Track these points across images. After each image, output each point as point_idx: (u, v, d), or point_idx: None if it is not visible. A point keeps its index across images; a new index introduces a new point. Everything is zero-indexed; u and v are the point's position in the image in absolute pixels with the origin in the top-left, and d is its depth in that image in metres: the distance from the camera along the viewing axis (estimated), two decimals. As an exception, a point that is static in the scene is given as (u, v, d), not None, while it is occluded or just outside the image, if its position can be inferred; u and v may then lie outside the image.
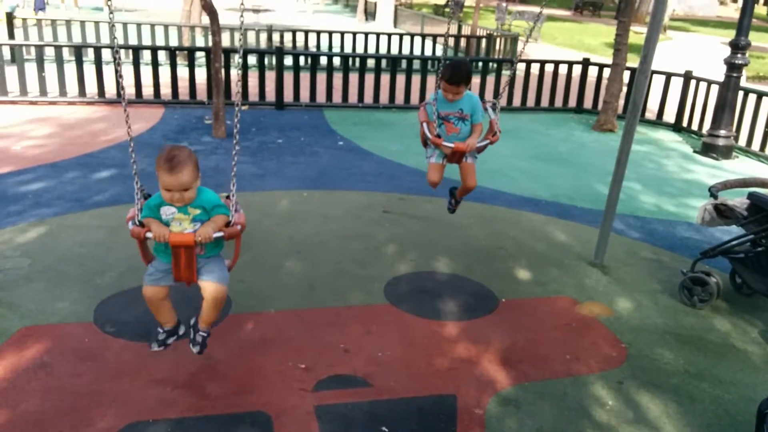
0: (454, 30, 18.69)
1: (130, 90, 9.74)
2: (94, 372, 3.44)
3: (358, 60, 11.00)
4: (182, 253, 3.07)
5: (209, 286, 3.21)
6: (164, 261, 3.22)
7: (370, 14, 27.67)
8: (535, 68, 11.31)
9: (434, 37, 17.70)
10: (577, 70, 11.33)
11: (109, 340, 3.74)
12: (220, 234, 3.12)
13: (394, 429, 3.15)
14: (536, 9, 28.91)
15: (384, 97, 10.67)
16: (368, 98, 10.64)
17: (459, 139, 4.41)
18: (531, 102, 11.24)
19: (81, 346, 3.67)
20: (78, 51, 9.81)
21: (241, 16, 3.37)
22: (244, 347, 3.76)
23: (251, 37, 15.35)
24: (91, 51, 10.08)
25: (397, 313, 4.26)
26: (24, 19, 14.61)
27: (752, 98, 9.17)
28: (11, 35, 13.42)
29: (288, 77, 10.23)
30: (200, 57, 11.08)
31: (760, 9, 42.55)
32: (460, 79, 4.24)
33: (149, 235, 3.06)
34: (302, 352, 3.71)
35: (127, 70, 9.83)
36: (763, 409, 3.06)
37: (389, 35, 16.17)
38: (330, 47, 15.19)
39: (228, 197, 3.32)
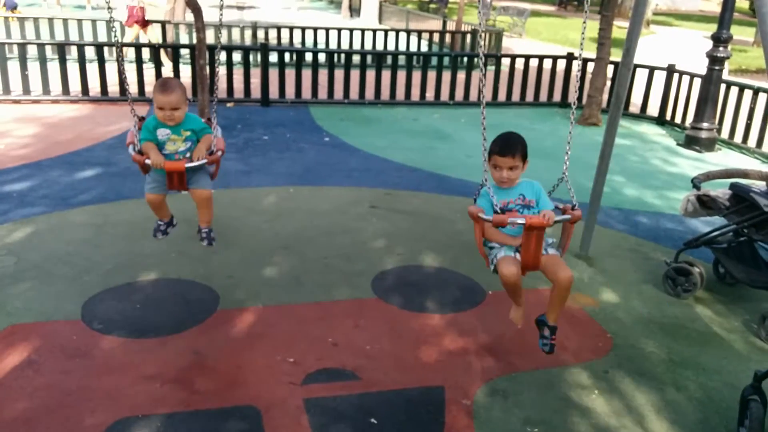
0: (439, 26, 18.71)
1: (114, 87, 9.71)
2: (83, 369, 3.44)
3: (343, 56, 11.00)
4: (175, 174, 3.71)
5: (197, 192, 3.86)
6: (160, 173, 3.78)
7: (354, 11, 27.62)
8: (519, 63, 11.35)
9: (419, 33, 17.71)
10: (561, 64, 11.38)
11: (97, 337, 3.73)
12: (204, 161, 3.76)
13: (383, 421, 3.17)
14: (520, 4, 29.02)
15: (370, 93, 10.67)
16: (354, 94, 10.65)
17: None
18: (516, 97, 11.28)
19: (69, 343, 3.66)
20: (61, 49, 9.73)
21: (221, 11, 4.04)
22: (233, 342, 3.77)
23: (236, 34, 15.29)
24: (74, 49, 10.00)
25: (384, 306, 4.28)
26: (6, 18, 14.47)
27: (734, 91, 9.27)
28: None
29: (273, 74, 10.21)
30: (185, 54, 11.03)
31: (741, 2, 42.90)
32: (515, 147, 3.38)
33: (148, 162, 3.65)
34: (291, 347, 3.73)
35: (112, 68, 9.79)
36: (746, 396, 3.11)
37: (374, 31, 16.14)
38: (315, 44, 15.16)
39: (209, 120, 3.99)
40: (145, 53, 10.21)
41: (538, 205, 3.46)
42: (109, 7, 3.88)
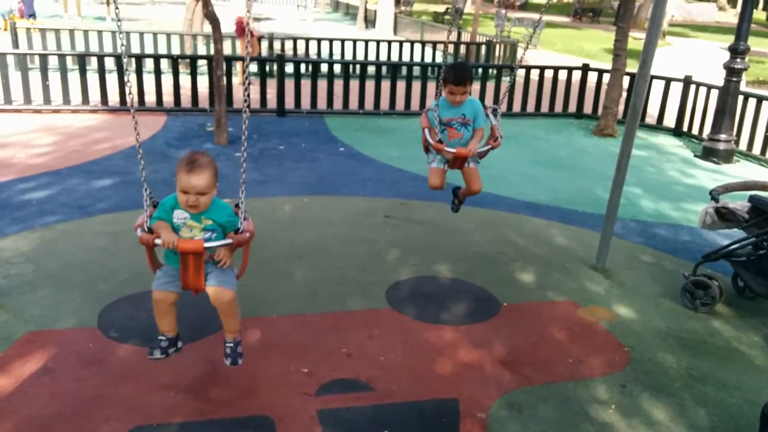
0: (453, 37, 18.75)
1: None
2: (98, 377, 3.46)
3: (358, 67, 11.05)
4: (191, 260, 3.01)
5: (216, 290, 3.13)
6: (173, 266, 3.15)
7: (370, 22, 27.74)
8: (534, 74, 11.35)
9: (434, 44, 17.75)
10: (576, 75, 11.36)
11: (113, 345, 3.75)
12: (228, 241, 3.09)
13: (397, 432, 3.16)
14: (535, 16, 28.99)
15: (384, 104, 10.69)
16: (369, 105, 10.67)
17: (461, 144, 4.34)
18: (531, 107, 11.26)
19: (85, 351, 3.68)
20: (81, 59, 9.86)
21: (248, 24, 3.54)
22: (247, 352, 3.74)
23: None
24: (94, 60, 10.12)
25: (399, 317, 4.27)
26: (27, 29, 14.69)
27: (752, 102, 9.20)
28: (15, 44, 13.50)
29: (289, 84, 10.27)
30: (202, 65, 11.13)
31: (758, 14, 42.65)
32: (465, 78, 4.17)
33: (158, 242, 3.02)
34: (305, 357, 3.73)
35: (131, 78, 9.90)
36: (766, 412, 3.06)
37: (389, 42, 16.22)
38: (330, 55, 15.24)
39: (237, 206, 3.28)
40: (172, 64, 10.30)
41: (474, 123, 4.32)
42: (118, 19, 3.27)
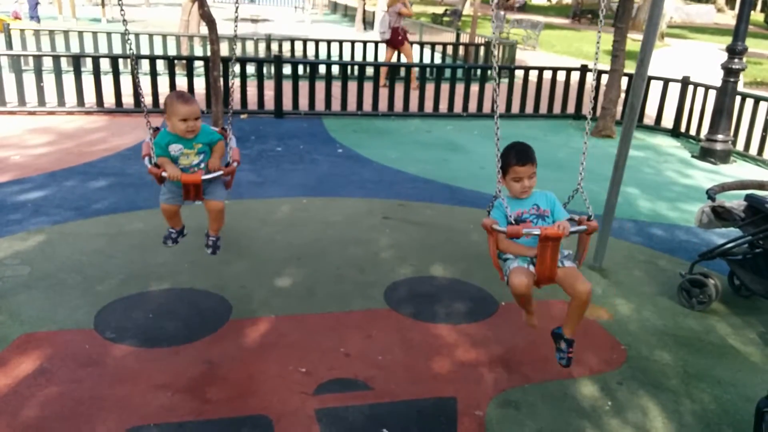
0: (452, 38, 18.77)
1: (128, 99, 9.79)
2: (95, 378, 3.45)
3: (356, 68, 11.05)
4: (192, 187, 3.77)
5: (212, 204, 3.93)
6: (176, 185, 3.83)
7: (368, 23, 27.76)
8: (533, 75, 11.35)
9: (432, 45, 17.77)
10: (575, 76, 11.37)
11: (109, 346, 3.75)
12: (220, 173, 3.83)
13: (395, 431, 3.15)
14: (534, 17, 29.05)
15: (383, 105, 10.70)
16: (367, 106, 10.68)
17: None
18: (530, 108, 11.27)
19: (81, 352, 3.67)
20: (76, 61, 9.84)
21: (236, 24, 4.03)
22: (245, 352, 3.77)
23: (250, 46, 15.41)
24: (89, 61, 10.12)
25: (397, 317, 4.27)
26: (22, 30, 14.68)
27: (749, 103, 9.20)
28: (9, 45, 13.49)
29: (287, 86, 10.26)
30: (199, 66, 11.12)
31: (756, 15, 42.75)
32: (531, 154, 3.35)
33: (165, 174, 3.69)
34: (303, 357, 3.72)
35: (126, 80, 9.89)
36: (761, 408, 3.07)
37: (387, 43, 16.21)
38: (328, 56, 15.25)
39: (223, 129, 4.01)
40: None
41: (552, 215, 3.40)
42: (124, 20, 3.86)
